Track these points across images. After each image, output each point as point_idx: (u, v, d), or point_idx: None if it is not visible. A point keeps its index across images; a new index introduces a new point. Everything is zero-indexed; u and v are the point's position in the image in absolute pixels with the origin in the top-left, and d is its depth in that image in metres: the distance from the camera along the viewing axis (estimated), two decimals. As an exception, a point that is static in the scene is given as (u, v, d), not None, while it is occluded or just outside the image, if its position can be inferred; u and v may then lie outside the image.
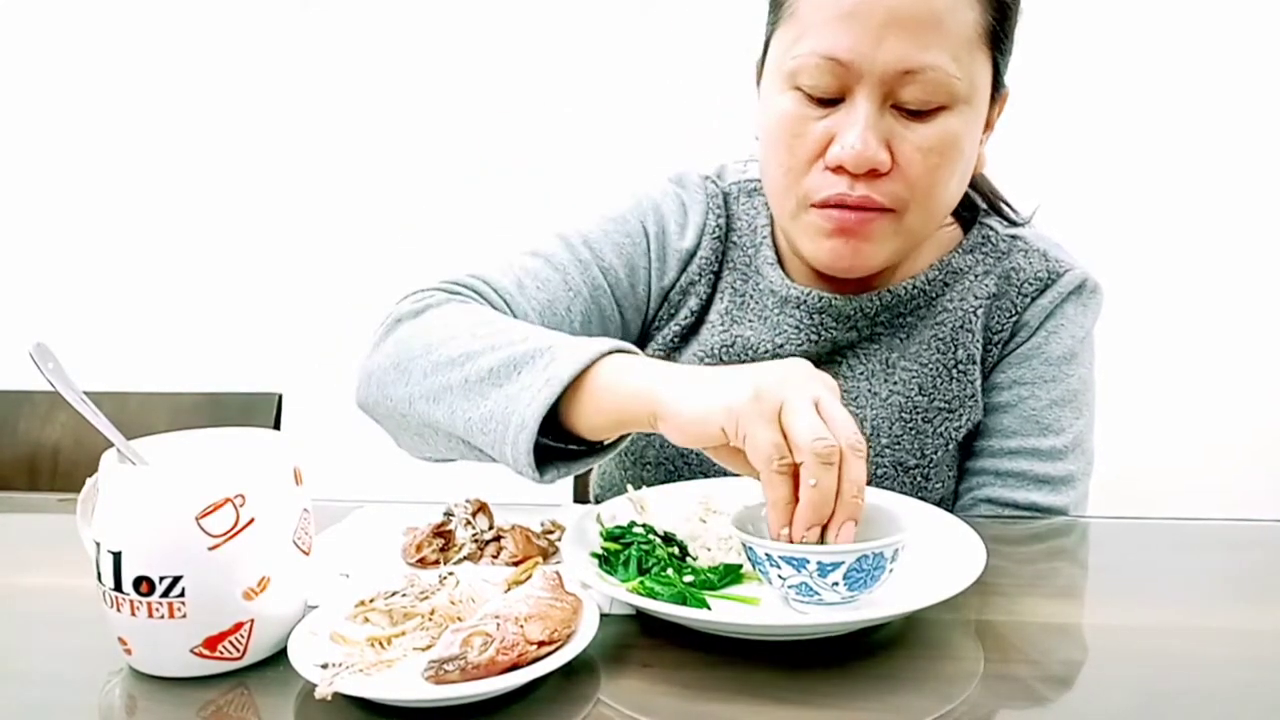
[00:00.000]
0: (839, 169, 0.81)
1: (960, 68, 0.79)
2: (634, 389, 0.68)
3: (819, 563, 0.60)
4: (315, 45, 2.18)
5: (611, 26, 2.09)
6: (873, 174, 0.81)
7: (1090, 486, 0.95)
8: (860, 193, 0.81)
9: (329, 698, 0.53)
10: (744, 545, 0.64)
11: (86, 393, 0.62)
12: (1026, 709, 0.56)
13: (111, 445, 0.62)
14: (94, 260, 2.30)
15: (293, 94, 2.20)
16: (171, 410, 1.27)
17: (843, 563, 0.60)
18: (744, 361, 0.89)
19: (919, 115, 0.80)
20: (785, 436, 0.60)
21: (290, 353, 2.21)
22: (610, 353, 0.71)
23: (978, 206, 0.99)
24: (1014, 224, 0.98)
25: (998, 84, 0.85)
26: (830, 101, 0.81)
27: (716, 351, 0.95)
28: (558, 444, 0.74)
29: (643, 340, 1.00)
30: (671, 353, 0.98)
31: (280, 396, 1.26)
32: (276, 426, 1.24)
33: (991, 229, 0.97)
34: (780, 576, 0.62)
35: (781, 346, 0.93)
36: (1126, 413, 1.99)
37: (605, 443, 0.75)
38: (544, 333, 0.77)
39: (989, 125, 0.89)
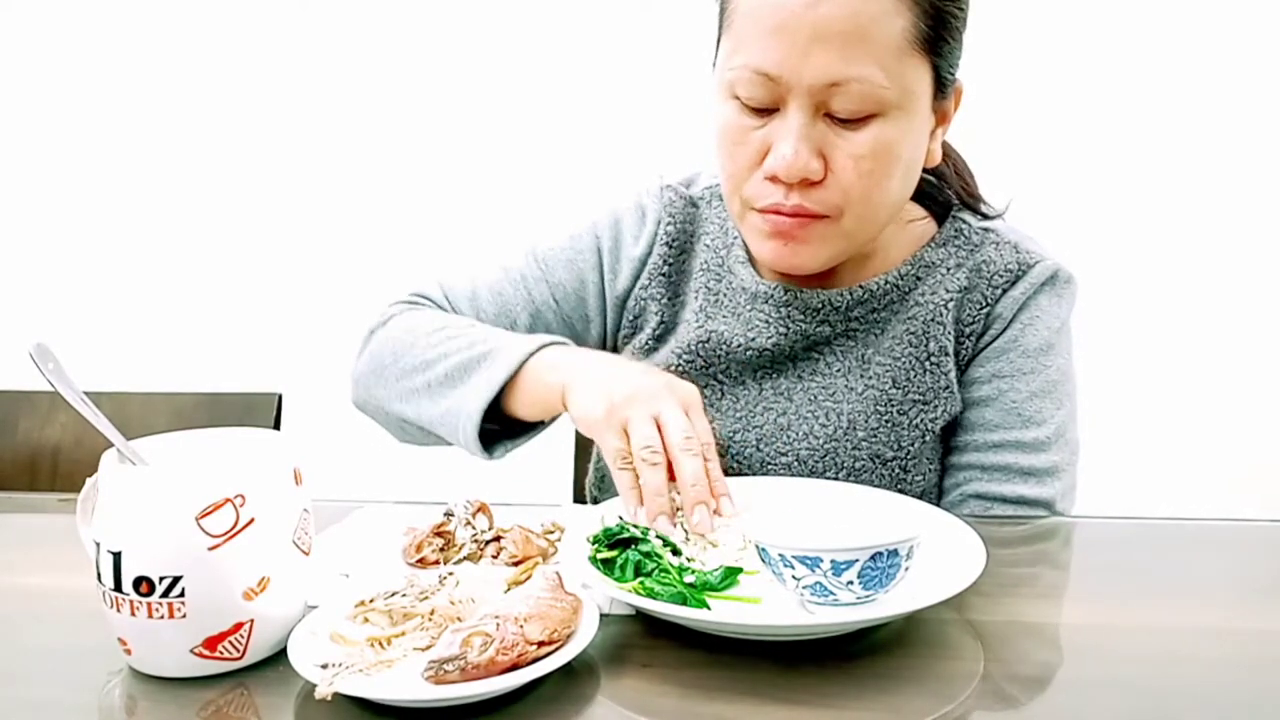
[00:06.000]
0: (774, 178, 0.84)
1: (889, 77, 0.80)
2: (551, 385, 0.83)
3: (833, 561, 0.60)
4: (315, 45, 2.18)
5: (613, 26, 2.09)
6: (806, 183, 0.83)
7: (1077, 476, 0.95)
8: (794, 201, 0.84)
9: (329, 698, 0.53)
10: (757, 547, 0.64)
11: (86, 393, 0.62)
12: (1026, 709, 0.56)
13: (111, 445, 0.62)
14: (94, 260, 2.30)
15: (293, 95, 2.21)
16: (171, 410, 1.27)
17: (856, 560, 0.60)
18: (720, 355, 0.98)
19: (851, 124, 0.82)
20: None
21: (290, 353, 2.21)
22: (541, 348, 0.85)
23: (951, 202, 1.00)
24: (987, 218, 0.99)
25: (944, 82, 0.86)
26: (766, 111, 0.84)
27: (694, 347, 0.98)
28: (505, 425, 0.88)
29: (613, 346, 1.05)
30: (649, 353, 1.02)
31: (280, 396, 1.26)
32: (276, 426, 1.24)
33: (965, 222, 0.98)
34: (794, 577, 0.62)
35: (754, 340, 0.96)
36: (1127, 412, 1.99)
37: (545, 423, 0.89)
38: (488, 335, 0.90)
39: (944, 119, 0.90)
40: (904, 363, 0.94)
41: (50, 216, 2.31)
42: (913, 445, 0.93)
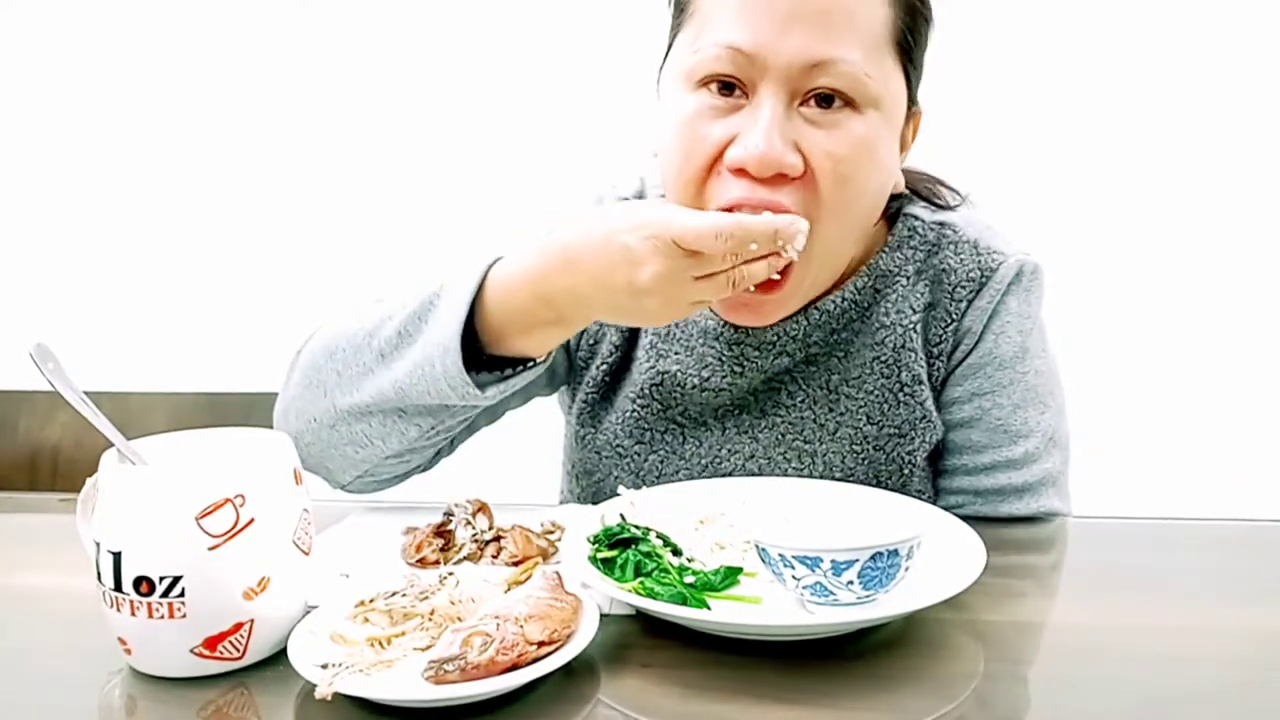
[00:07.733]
0: (740, 172, 0.74)
1: (872, 66, 0.74)
2: (538, 296, 0.73)
3: (833, 561, 0.60)
4: (316, 46, 2.18)
5: (612, 26, 2.09)
6: (780, 179, 0.74)
7: (1071, 471, 0.92)
8: (762, 196, 0.74)
9: (329, 698, 0.53)
10: (756, 547, 0.64)
11: (86, 393, 0.62)
12: (1026, 709, 0.56)
13: (111, 445, 0.62)
14: (94, 260, 2.30)
15: (292, 95, 2.20)
16: (171, 410, 1.27)
17: (856, 560, 0.60)
18: (675, 398, 0.91)
19: (830, 110, 0.74)
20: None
21: (290, 353, 2.20)
22: (493, 264, 0.75)
23: (901, 196, 0.92)
24: (941, 208, 0.92)
25: (910, 99, 0.81)
26: (731, 91, 0.75)
27: (648, 390, 0.92)
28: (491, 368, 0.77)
29: (573, 374, 0.99)
30: (606, 392, 0.96)
31: (280, 396, 1.25)
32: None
33: (917, 219, 0.90)
34: (794, 577, 0.62)
35: (708, 380, 0.90)
36: (1128, 412, 1.99)
37: (538, 360, 0.78)
38: (430, 282, 0.78)
39: (904, 146, 0.84)
40: (876, 396, 0.88)
41: (50, 216, 2.30)
42: (891, 479, 0.89)
